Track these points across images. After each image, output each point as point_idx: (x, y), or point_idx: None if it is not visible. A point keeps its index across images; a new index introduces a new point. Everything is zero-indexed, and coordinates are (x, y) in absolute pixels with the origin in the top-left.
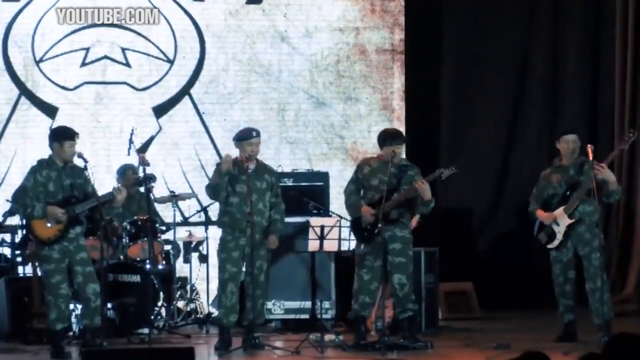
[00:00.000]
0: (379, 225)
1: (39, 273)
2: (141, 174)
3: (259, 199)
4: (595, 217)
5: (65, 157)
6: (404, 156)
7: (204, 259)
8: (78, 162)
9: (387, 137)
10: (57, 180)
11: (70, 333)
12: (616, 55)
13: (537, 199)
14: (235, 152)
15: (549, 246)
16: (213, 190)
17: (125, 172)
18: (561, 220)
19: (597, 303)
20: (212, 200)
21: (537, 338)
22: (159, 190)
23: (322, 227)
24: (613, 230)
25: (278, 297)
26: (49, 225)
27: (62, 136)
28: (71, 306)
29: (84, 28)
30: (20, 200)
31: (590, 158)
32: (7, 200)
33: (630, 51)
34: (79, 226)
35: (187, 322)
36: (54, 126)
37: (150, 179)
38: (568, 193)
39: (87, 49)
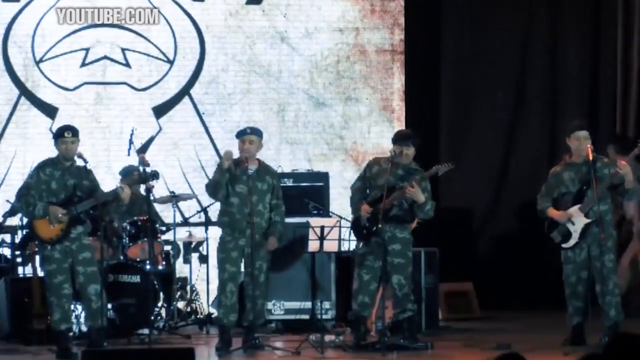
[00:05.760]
0: (379, 225)
1: (39, 274)
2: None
3: (259, 200)
4: (610, 216)
5: (62, 155)
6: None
7: (203, 259)
8: (78, 162)
9: (397, 138)
10: (60, 179)
11: (71, 333)
12: (618, 54)
13: (546, 196)
14: (235, 150)
15: (564, 245)
16: (212, 187)
17: (130, 173)
18: (577, 219)
19: (606, 306)
20: (212, 200)
21: (538, 338)
22: (159, 190)
23: (322, 228)
24: None
25: (278, 297)
26: (51, 226)
27: (56, 135)
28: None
29: (84, 28)
30: (23, 198)
31: (590, 158)
32: (7, 201)
33: (633, 50)
34: (80, 226)
35: (187, 322)
36: (54, 127)
37: (153, 176)
38: (584, 188)
39: (87, 49)
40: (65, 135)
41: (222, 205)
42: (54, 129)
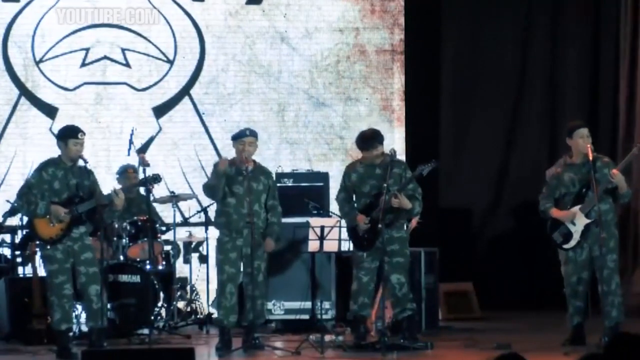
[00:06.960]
0: (379, 226)
1: (39, 274)
2: (142, 175)
3: (254, 200)
4: (611, 216)
5: (70, 156)
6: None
7: (203, 259)
8: (78, 162)
9: (360, 144)
10: (63, 179)
11: (71, 333)
12: (621, 54)
13: (548, 197)
14: (233, 153)
15: (565, 246)
16: (211, 190)
17: (125, 171)
18: (578, 219)
19: (608, 306)
20: (211, 200)
21: (538, 338)
22: (159, 190)
23: (322, 228)
24: None
25: (278, 297)
26: (51, 225)
27: (66, 135)
28: None
29: (84, 28)
30: (25, 197)
31: (590, 158)
32: (7, 201)
33: (629, 49)
34: (82, 226)
35: (187, 322)
36: (54, 127)
37: (155, 179)
38: (584, 190)
39: (87, 49)
40: (79, 136)
41: (218, 205)
42: (56, 129)
